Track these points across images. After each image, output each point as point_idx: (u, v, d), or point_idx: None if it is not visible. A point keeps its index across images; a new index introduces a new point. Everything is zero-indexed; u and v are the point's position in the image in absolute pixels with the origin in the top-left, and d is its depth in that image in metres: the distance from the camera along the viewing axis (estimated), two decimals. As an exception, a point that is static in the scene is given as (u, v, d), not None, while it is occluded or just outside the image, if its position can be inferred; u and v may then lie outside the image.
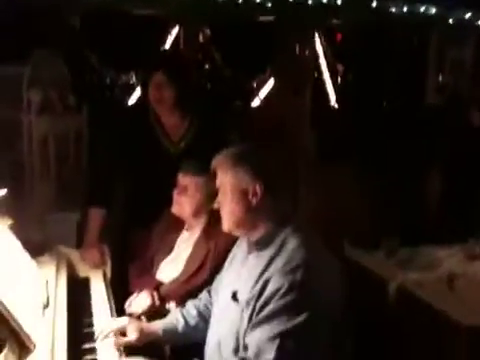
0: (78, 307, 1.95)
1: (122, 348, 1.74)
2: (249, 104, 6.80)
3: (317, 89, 6.74)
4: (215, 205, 1.73)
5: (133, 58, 5.91)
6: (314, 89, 6.61)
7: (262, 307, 1.52)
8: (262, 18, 6.57)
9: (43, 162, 4.02)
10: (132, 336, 1.77)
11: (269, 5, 6.12)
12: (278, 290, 1.50)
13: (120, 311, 2.02)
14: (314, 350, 1.51)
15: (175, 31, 6.38)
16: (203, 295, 1.97)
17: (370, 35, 7.16)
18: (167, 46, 6.29)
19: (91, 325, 1.85)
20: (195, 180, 2.14)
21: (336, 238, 2.57)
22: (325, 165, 4.73)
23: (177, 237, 2.27)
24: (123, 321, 1.84)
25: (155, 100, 2.47)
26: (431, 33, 7.23)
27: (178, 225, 2.27)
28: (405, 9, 6.72)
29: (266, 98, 6.71)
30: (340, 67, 7.48)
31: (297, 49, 6.59)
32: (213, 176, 1.73)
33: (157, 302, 2.06)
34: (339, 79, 7.40)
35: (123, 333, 1.79)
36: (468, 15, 6.97)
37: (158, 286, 2.14)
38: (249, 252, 1.70)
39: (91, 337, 1.77)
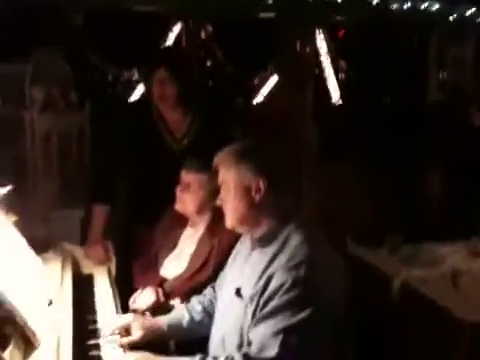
0: (83, 303, 1.95)
1: (126, 343, 1.75)
2: (251, 101, 6.80)
3: (319, 86, 6.73)
4: (218, 202, 1.74)
5: (135, 55, 5.92)
6: (316, 86, 6.60)
7: (266, 303, 1.53)
8: (263, 15, 6.56)
9: (46, 159, 4.03)
10: (137, 334, 1.77)
11: (270, 2, 6.12)
12: (281, 286, 1.50)
13: (124, 307, 2.03)
14: (317, 346, 1.52)
15: (177, 28, 6.38)
16: (207, 291, 1.98)
17: (372, 32, 7.15)
18: (169, 43, 6.29)
19: (96, 321, 1.85)
20: (198, 177, 2.15)
21: (339, 235, 2.57)
22: (328, 161, 4.73)
23: (181, 234, 2.28)
24: (127, 318, 1.84)
25: (158, 97, 2.47)
26: (433, 30, 7.22)
27: (182, 222, 2.27)
28: (407, 6, 6.71)
29: (268, 95, 6.71)
30: (342, 64, 7.47)
31: (298, 46, 6.58)
32: (215, 173, 1.73)
33: (161, 298, 2.07)
34: (341, 76, 7.40)
35: (128, 330, 1.80)
36: (470, 12, 6.96)
37: (162, 282, 2.15)
38: (252, 248, 1.70)
39: (96, 333, 1.77)
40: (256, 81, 7.04)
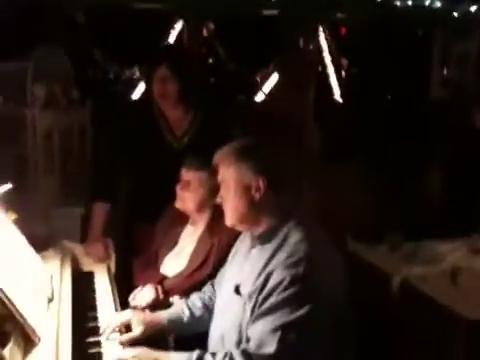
0: (82, 301, 1.95)
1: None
2: (253, 98, 6.79)
3: (321, 83, 6.72)
4: (218, 200, 1.74)
5: (137, 53, 5.92)
6: (318, 83, 6.59)
7: (264, 300, 1.53)
8: (266, 12, 6.56)
9: (47, 157, 4.04)
10: (137, 330, 1.78)
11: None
12: (280, 283, 1.51)
13: (124, 305, 2.04)
14: (316, 343, 1.52)
15: (179, 26, 6.38)
16: (207, 288, 1.98)
17: (374, 29, 7.14)
18: (171, 41, 6.29)
19: (95, 319, 1.86)
20: (198, 175, 2.15)
21: (339, 232, 2.57)
22: (328, 160, 4.73)
23: (181, 231, 2.28)
24: (127, 314, 1.85)
25: (159, 94, 2.47)
26: (436, 27, 7.20)
27: (182, 219, 2.28)
28: (410, 3, 6.69)
29: (269, 93, 6.70)
30: (344, 61, 7.45)
31: (301, 43, 6.57)
32: (215, 171, 1.73)
33: (161, 296, 2.07)
34: (343, 73, 7.38)
35: (127, 327, 1.80)
36: (473, 8, 6.93)
37: (162, 280, 2.15)
38: (252, 246, 1.71)
39: (95, 331, 1.78)
40: (258, 79, 7.03)
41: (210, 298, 1.93)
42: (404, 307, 2.47)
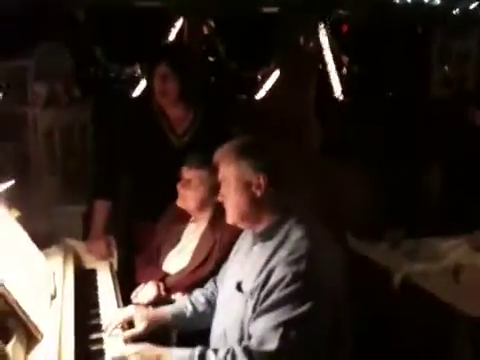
0: (85, 298, 1.97)
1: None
2: (253, 97, 6.78)
3: (322, 81, 6.71)
4: (219, 198, 1.74)
5: (138, 51, 5.92)
6: (319, 81, 6.58)
7: (266, 297, 1.54)
8: (266, 10, 6.55)
9: (49, 155, 4.03)
10: (140, 326, 1.78)
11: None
12: (282, 280, 1.51)
13: (127, 302, 2.04)
14: (317, 339, 1.53)
15: (179, 23, 6.36)
16: (209, 284, 1.99)
17: (375, 26, 7.12)
18: (171, 39, 6.28)
19: (98, 316, 1.87)
20: (199, 173, 2.15)
21: (340, 230, 2.57)
22: (329, 157, 4.73)
23: (183, 229, 2.29)
24: (130, 310, 1.85)
25: (159, 93, 2.47)
26: (436, 24, 7.19)
27: (184, 217, 2.28)
28: (409, 0, 6.68)
29: (270, 91, 6.69)
30: (345, 59, 7.44)
31: (301, 41, 6.56)
32: (215, 169, 1.73)
33: (163, 293, 2.08)
34: (344, 71, 7.37)
35: (130, 323, 1.81)
36: (473, 6, 6.92)
37: (164, 277, 2.16)
38: (253, 243, 1.71)
39: (98, 328, 1.79)
40: (259, 77, 7.02)
41: (212, 294, 1.94)
42: (405, 304, 2.47)
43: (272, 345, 1.48)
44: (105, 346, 1.69)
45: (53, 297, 1.80)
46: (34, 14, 5.05)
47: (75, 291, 1.93)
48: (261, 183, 1.63)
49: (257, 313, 1.55)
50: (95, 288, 2.09)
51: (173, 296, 2.09)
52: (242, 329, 1.61)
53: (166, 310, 1.89)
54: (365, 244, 2.87)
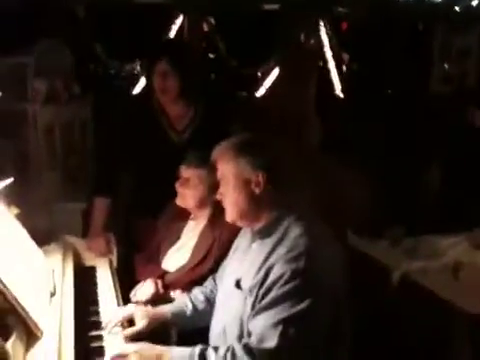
0: (84, 295, 1.97)
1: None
2: (254, 94, 6.78)
3: (322, 78, 6.71)
4: (217, 196, 1.74)
5: (137, 48, 5.91)
6: (319, 78, 6.58)
7: (265, 294, 1.54)
8: (267, 7, 6.54)
9: (49, 151, 4.04)
10: (141, 324, 1.78)
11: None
12: (281, 277, 1.51)
13: (126, 299, 2.04)
14: (317, 337, 1.53)
15: (179, 20, 6.36)
16: (208, 282, 1.99)
17: (375, 24, 7.11)
18: (171, 35, 6.27)
19: (97, 313, 1.87)
20: (197, 172, 2.15)
21: (339, 227, 2.57)
22: (329, 154, 4.72)
23: (183, 226, 2.29)
24: (129, 309, 1.85)
25: (159, 89, 2.47)
26: (437, 21, 7.17)
27: (184, 214, 2.28)
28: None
29: (271, 88, 6.69)
30: (345, 56, 7.43)
31: (302, 38, 6.55)
32: (214, 168, 1.73)
33: (161, 290, 2.08)
34: (344, 68, 7.36)
35: (130, 321, 1.81)
36: (475, 3, 6.90)
37: (163, 274, 2.16)
38: (252, 241, 1.71)
39: (97, 325, 1.79)
40: (259, 74, 7.01)
41: (212, 292, 1.94)
42: (405, 301, 2.48)
43: (272, 342, 1.48)
44: (105, 343, 1.69)
45: (52, 294, 1.80)
46: (34, 11, 5.05)
47: (74, 288, 1.93)
48: (260, 181, 1.63)
49: (256, 310, 1.55)
50: (95, 285, 2.09)
51: (172, 294, 2.09)
52: (241, 326, 1.61)
53: (166, 308, 1.89)
54: (365, 241, 2.87)
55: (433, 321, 2.36)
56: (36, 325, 1.54)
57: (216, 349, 1.56)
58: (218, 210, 1.98)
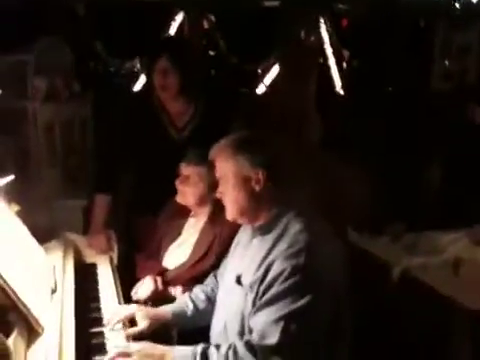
0: (85, 292, 1.97)
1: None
2: (254, 91, 6.77)
3: (322, 75, 6.70)
4: (217, 195, 1.74)
5: (138, 45, 5.91)
6: (319, 75, 6.57)
7: (265, 290, 1.54)
8: (267, 3, 6.53)
9: (49, 149, 4.04)
10: (142, 324, 1.78)
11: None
12: (281, 273, 1.51)
13: (127, 296, 2.05)
14: (317, 333, 1.53)
15: (179, 17, 6.35)
16: (209, 280, 1.99)
17: (376, 21, 7.10)
18: (171, 32, 6.27)
19: (98, 310, 1.87)
20: (197, 170, 2.15)
21: (340, 223, 2.58)
22: (329, 151, 4.72)
23: (184, 223, 2.29)
24: (131, 308, 1.85)
25: (160, 86, 2.47)
26: (438, 18, 7.16)
27: (185, 211, 2.28)
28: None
29: (271, 85, 6.68)
30: (345, 53, 7.42)
31: (302, 35, 6.54)
32: (212, 166, 1.73)
33: (160, 287, 2.08)
34: (344, 65, 7.35)
35: (131, 321, 1.81)
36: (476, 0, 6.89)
37: (163, 271, 2.16)
38: (253, 237, 1.71)
39: (98, 321, 1.79)
40: (259, 71, 7.00)
41: (212, 290, 1.94)
42: (405, 297, 2.48)
43: (273, 339, 1.49)
44: (106, 340, 1.69)
45: (53, 291, 1.80)
46: (34, 8, 5.05)
47: (75, 285, 1.93)
48: (260, 178, 1.63)
49: (257, 307, 1.55)
50: (95, 282, 2.09)
51: (173, 290, 2.10)
52: (242, 322, 1.61)
53: (167, 309, 1.89)
54: (365, 238, 2.87)
55: (433, 317, 2.36)
56: (37, 321, 1.55)
57: (218, 347, 1.56)
58: (218, 207, 1.98)
